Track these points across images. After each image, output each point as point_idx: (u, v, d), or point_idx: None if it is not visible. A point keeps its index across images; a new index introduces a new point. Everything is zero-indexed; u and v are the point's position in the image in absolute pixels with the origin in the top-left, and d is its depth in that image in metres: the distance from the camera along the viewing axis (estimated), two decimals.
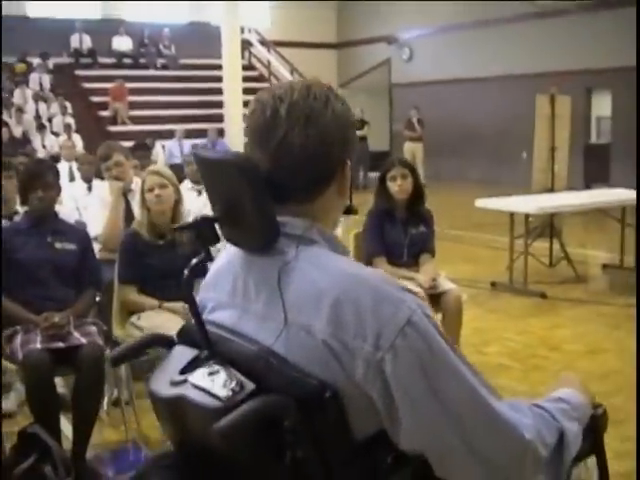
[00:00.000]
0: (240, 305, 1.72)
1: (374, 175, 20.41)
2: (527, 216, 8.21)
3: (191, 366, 1.68)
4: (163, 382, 1.71)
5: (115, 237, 5.38)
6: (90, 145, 15.03)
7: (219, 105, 19.12)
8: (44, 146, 16.89)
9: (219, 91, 19.10)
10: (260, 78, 23.45)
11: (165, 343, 1.87)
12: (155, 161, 15.05)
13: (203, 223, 1.70)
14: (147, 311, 4.59)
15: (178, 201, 4.80)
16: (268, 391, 1.53)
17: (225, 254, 1.83)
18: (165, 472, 1.75)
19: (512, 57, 19.40)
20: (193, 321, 1.74)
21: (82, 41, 21.09)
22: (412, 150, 19.41)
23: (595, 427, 1.90)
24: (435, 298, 5.10)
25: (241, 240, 1.73)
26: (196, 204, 6.31)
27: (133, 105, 19.92)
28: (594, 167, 17.62)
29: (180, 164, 10.59)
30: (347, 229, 7.08)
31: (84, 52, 21.11)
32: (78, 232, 4.73)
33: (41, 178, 4.42)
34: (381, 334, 1.54)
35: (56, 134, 17.52)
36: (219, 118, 18.97)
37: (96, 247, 5.10)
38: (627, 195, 9.63)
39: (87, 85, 20.36)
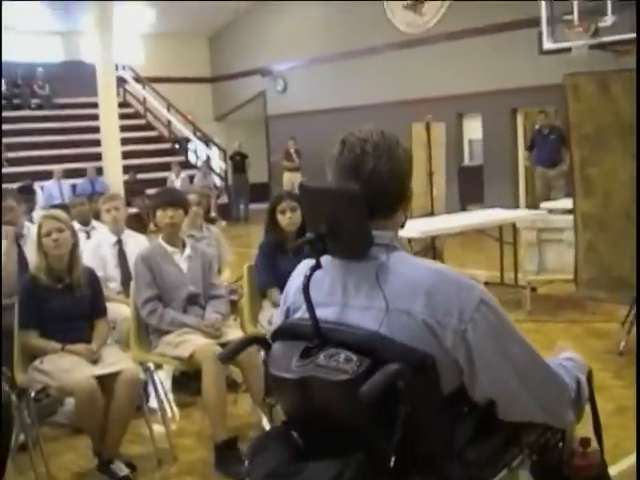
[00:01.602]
0: (340, 301, 2.20)
1: (255, 207, 20.73)
2: (410, 240, 8.48)
3: (307, 353, 2.12)
4: (286, 368, 2.14)
5: (9, 283, 5.38)
6: None
7: (96, 143, 19.00)
8: None
9: (96, 129, 18.99)
10: (136, 115, 23.41)
11: (261, 342, 2.39)
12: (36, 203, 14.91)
13: (317, 238, 2.15)
14: (49, 355, 4.63)
15: (75, 245, 4.86)
16: (382, 363, 1.98)
17: (301, 269, 2.34)
18: (276, 442, 2.23)
19: (385, 85, 19.79)
20: (282, 322, 2.35)
21: None
22: (291, 180, 19.58)
23: (589, 379, 2.43)
24: None
25: (342, 250, 2.20)
26: (87, 245, 6.33)
27: (9, 147, 19.57)
28: (469, 188, 18.05)
29: (62, 205, 10.51)
30: (231, 261, 7.22)
31: None
32: None
33: None
34: (463, 311, 2.06)
35: None
36: (97, 156, 18.84)
37: None
38: (503, 214, 10.05)
39: None
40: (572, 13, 12.63)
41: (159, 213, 5.27)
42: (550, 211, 9.62)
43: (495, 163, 18.07)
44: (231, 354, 2.53)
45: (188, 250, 5.32)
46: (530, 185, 17.17)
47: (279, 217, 5.53)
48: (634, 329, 6.52)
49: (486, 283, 9.97)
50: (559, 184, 13.98)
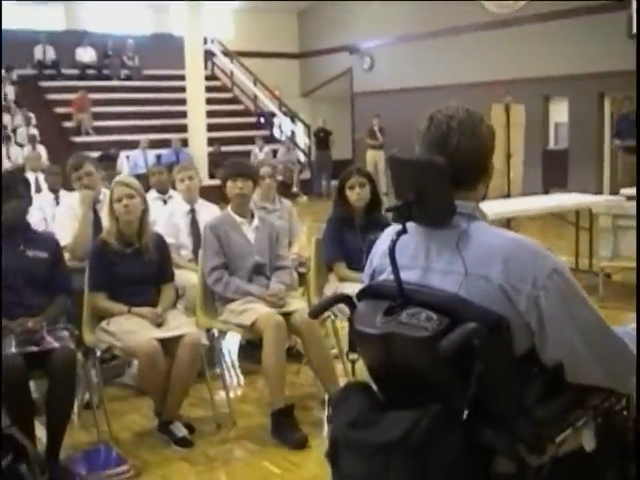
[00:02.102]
0: (422, 265, 2.38)
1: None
2: None
3: (390, 311, 2.31)
4: (370, 324, 2.34)
5: (84, 246, 5.53)
6: (54, 156, 15.09)
7: (183, 115, 19.28)
8: (9, 157, 16.83)
9: (182, 101, 19.27)
10: (223, 88, 23.62)
11: (347, 301, 2.56)
12: (120, 171, 15.21)
13: (405, 205, 2.33)
14: (116, 316, 4.78)
15: (145, 211, 4.99)
16: (461, 323, 2.14)
17: (392, 234, 2.38)
18: (358, 394, 2.42)
19: (471, 65, 19.60)
20: (368, 283, 2.56)
21: (45, 52, 21.07)
22: (374, 158, 19.62)
23: None
24: None
25: (427, 218, 2.37)
26: (162, 213, 6.48)
27: (97, 116, 19.95)
28: (552, 172, 17.84)
29: (145, 174, 10.70)
30: (309, 235, 7.30)
31: (48, 64, 21.06)
32: (50, 241, 4.84)
33: (14, 189, 4.51)
34: (537, 278, 2.22)
35: (20, 145, 17.46)
36: (183, 128, 19.12)
37: (65, 256, 5.21)
38: (580, 199, 9.92)
39: (51, 96, 20.37)
40: None
41: (229, 184, 5.37)
42: (629, 197, 9.46)
43: (581, 148, 17.83)
44: (321, 309, 2.78)
45: (256, 221, 5.41)
46: (614, 171, 16.90)
47: (348, 192, 5.58)
48: None
49: None
50: None
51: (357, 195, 5.55)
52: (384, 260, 2.45)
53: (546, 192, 16.20)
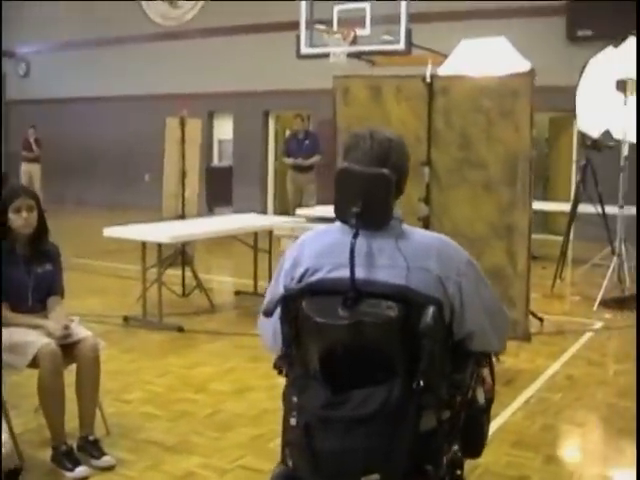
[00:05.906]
0: (364, 263, 2.67)
1: None
2: (160, 245, 7.78)
3: (346, 304, 2.58)
4: (332, 316, 2.59)
5: None
6: None
7: None
8: None
9: None
10: None
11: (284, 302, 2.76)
12: None
13: (359, 212, 2.63)
14: None
15: None
16: (412, 308, 2.54)
17: (323, 237, 2.84)
18: (313, 382, 2.65)
19: (136, 77, 19.26)
20: (309, 281, 2.74)
21: None
22: (29, 171, 18.60)
23: None
24: (68, 348, 4.47)
25: (370, 222, 2.69)
26: None
27: None
28: (216, 190, 17.60)
29: None
30: None
31: None
32: None
33: None
34: (459, 268, 2.75)
35: None
36: None
37: None
38: (260, 221, 9.68)
39: None
40: (332, 19, 12.41)
41: None
42: (308, 219, 9.22)
43: (245, 165, 17.86)
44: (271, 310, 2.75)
45: None
46: (279, 190, 16.94)
47: (11, 216, 4.63)
48: None
49: (237, 292, 9.45)
50: (311, 189, 13.77)
51: (24, 220, 4.62)
52: (319, 260, 2.76)
53: (210, 209, 15.91)
